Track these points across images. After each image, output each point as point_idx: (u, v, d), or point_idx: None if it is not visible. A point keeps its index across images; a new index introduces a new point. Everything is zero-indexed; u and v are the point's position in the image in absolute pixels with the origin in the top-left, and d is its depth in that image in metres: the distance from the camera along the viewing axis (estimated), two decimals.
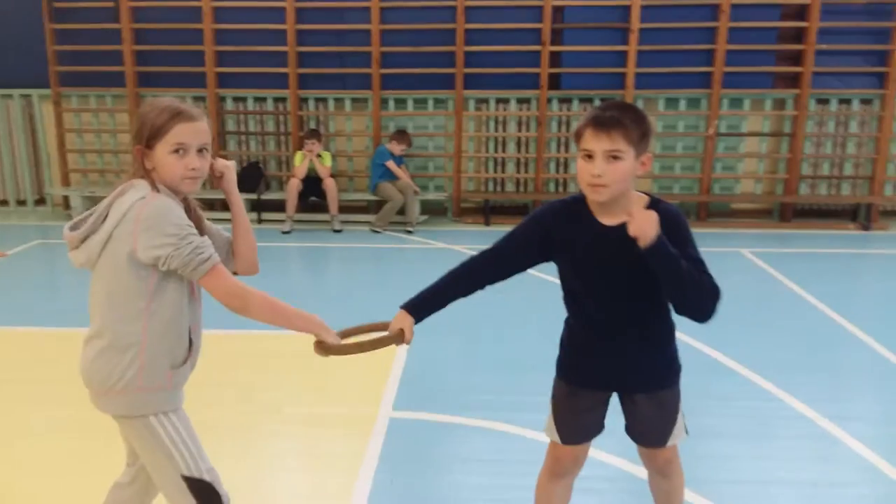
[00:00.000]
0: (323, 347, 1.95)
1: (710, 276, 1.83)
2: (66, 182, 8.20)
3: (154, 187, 1.80)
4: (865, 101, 7.73)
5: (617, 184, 1.85)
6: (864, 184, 7.86)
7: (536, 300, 4.82)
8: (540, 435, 3.09)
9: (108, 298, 1.79)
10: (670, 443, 2.09)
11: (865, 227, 7.51)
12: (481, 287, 2.10)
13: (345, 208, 7.63)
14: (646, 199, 1.93)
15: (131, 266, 1.75)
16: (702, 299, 1.81)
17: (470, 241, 6.65)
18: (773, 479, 2.84)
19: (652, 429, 2.08)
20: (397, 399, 3.52)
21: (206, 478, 1.88)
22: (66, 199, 8.08)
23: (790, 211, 7.85)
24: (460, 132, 7.88)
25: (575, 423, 2.12)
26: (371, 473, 2.87)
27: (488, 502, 2.69)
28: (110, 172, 8.28)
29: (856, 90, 7.64)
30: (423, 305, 2.06)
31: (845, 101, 7.74)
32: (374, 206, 7.88)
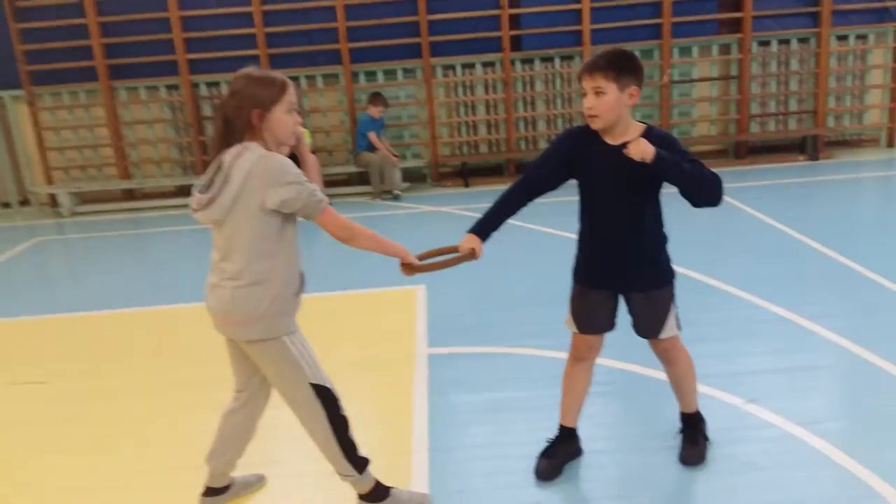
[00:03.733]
0: (410, 268, 2.37)
1: (709, 170, 2.29)
2: (49, 180, 8.29)
3: (266, 147, 2.14)
4: (803, 40, 8.32)
5: (605, 114, 2.31)
6: (808, 118, 8.49)
7: (537, 249, 5.26)
8: (554, 353, 3.57)
9: (242, 244, 2.14)
10: (664, 335, 2.53)
11: (813, 158, 8.15)
12: (525, 204, 2.55)
13: (328, 182, 7.92)
14: (643, 126, 2.38)
15: (261, 214, 2.10)
16: (710, 187, 2.27)
17: (454, 203, 7.03)
18: (760, 370, 3.34)
19: (647, 322, 2.54)
20: (430, 338, 3.94)
21: (328, 384, 2.28)
22: (52, 196, 8.18)
23: (744, 148, 8.44)
24: (431, 99, 8.21)
25: (586, 316, 2.58)
26: (424, 398, 3.28)
27: (525, 409, 3.14)
28: (92, 167, 8.40)
29: (793, 30, 8.22)
30: (484, 227, 2.51)
31: (784, 42, 8.32)
32: (356, 178, 8.18)
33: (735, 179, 7.41)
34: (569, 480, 2.63)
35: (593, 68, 2.29)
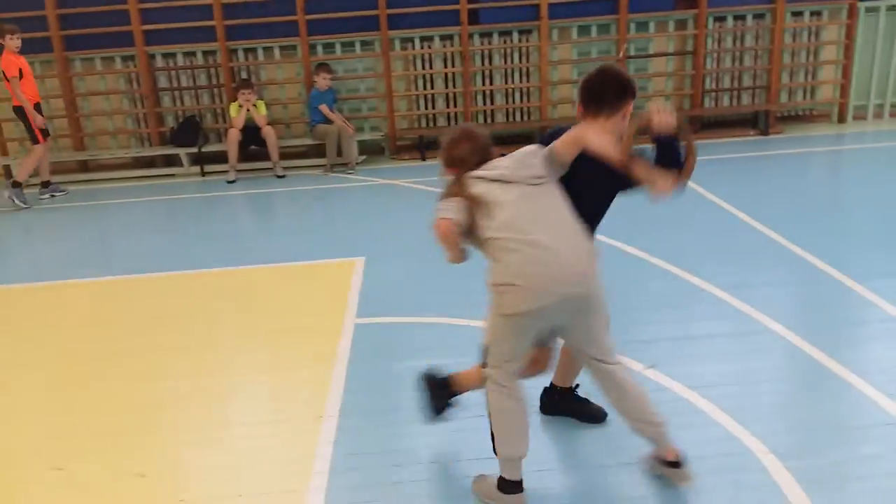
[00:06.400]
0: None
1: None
2: (4, 152, 8.26)
3: None
4: (758, 16, 8.40)
5: None
6: (761, 93, 8.61)
7: None
8: (477, 323, 3.66)
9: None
10: None
11: (764, 133, 8.28)
12: None
13: (285, 154, 7.95)
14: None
15: None
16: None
17: (409, 176, 7.09)
18: (666, 337, 3.49)
19: None
20: (359, 309, 4.04)
21: None
22: (6, 168, 8.11)
23: (697, 123, 8.55)
24: (389, 72, 8.23)
25: None
26: (344, 366, 3.40)
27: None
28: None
29: (749, 6, 8.29)
30: None
31: (740, 18, 8.40)
32: (313, 151, 8.21)
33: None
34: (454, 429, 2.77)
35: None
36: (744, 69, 8.54)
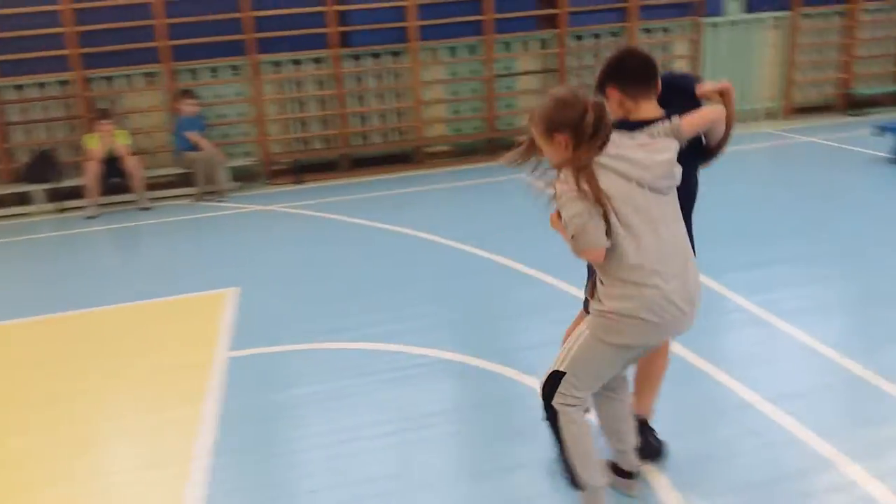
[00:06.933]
0: None
1: None
2: None
3: None
4: (614, 34, 8.89)
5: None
6: None
7: (362, 243, 5.32)
8: (354, 344, 3.66)
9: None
10: None
11: None
12: None
13: (150, 185, 7.59)
14: None
15: None
16: None
17: (283, 201, 6.95)
18: (539, 343, 3.55)
19: None
20: (234, 341, 3.91)
21: None
22: None
23: None
24: (260, 97, 8.08)
25: None
26: (217, 403, 3.27)
27: (324, 400, 3.22)
28: None
29: (605, 25, 8.77)
30: None
31: (597, 36, 8.87)
32: (181, 180, 7.89)
33: None
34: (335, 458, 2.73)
35: None
36: None
